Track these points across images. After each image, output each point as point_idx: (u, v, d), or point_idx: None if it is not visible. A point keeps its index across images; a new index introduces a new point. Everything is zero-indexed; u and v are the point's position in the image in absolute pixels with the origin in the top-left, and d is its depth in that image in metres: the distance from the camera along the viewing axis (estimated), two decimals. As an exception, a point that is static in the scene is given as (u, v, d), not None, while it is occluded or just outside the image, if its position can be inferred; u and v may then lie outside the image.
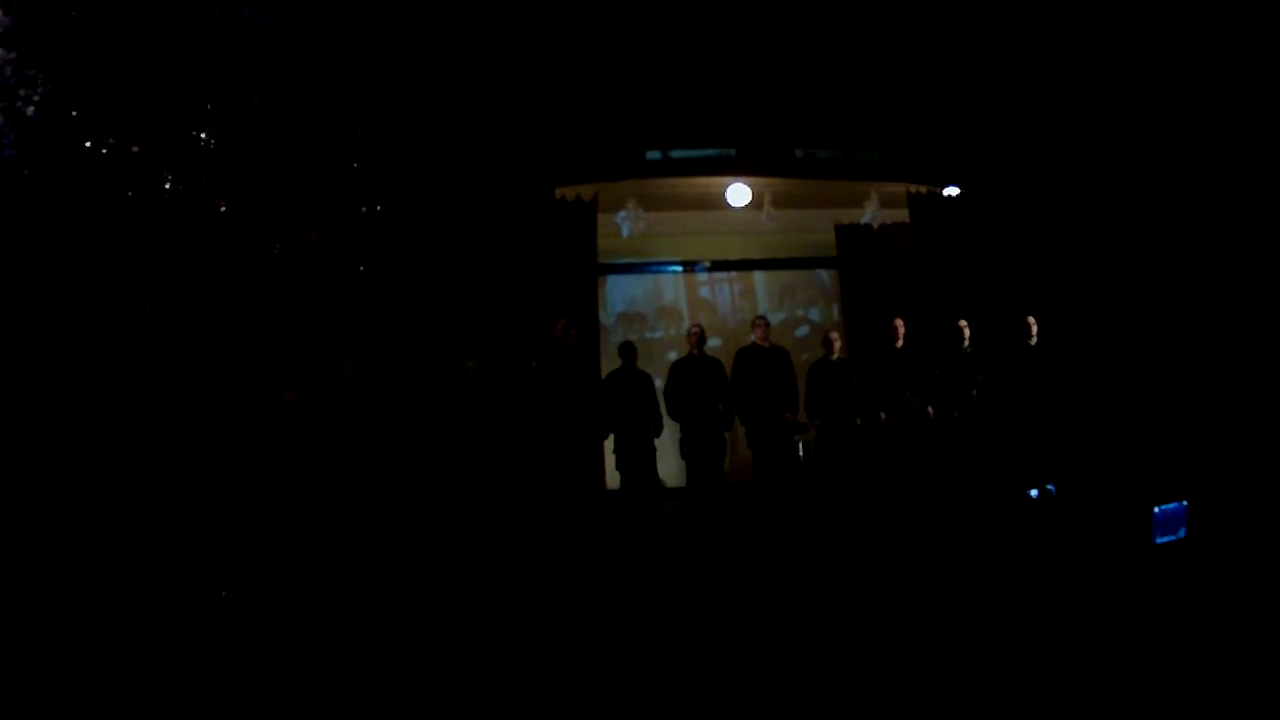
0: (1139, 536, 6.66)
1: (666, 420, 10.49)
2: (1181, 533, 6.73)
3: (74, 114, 8.31)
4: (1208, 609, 6.02)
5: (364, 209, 9.83)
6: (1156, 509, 6.63)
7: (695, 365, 10.58)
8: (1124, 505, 7.13)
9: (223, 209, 9.02)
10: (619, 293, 12.94)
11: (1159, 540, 6.65)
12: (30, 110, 8.20)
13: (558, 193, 11.43)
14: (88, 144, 8.38)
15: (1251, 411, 9.41)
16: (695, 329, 10.86)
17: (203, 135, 8.92)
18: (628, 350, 10.60)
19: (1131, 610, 6.14)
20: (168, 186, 8.70)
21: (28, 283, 7.97)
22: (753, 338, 10.86)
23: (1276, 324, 9.69)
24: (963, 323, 10.87)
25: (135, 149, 8.58)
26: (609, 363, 11.22)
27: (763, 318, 11.19)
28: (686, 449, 10.43)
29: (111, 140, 8.50)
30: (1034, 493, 9.35)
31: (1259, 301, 9.91)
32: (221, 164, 8.96)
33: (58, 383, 7.85)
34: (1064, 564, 7.09)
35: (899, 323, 10.93)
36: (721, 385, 10.55)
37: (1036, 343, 10.67)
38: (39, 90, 8.17)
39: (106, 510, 7.58)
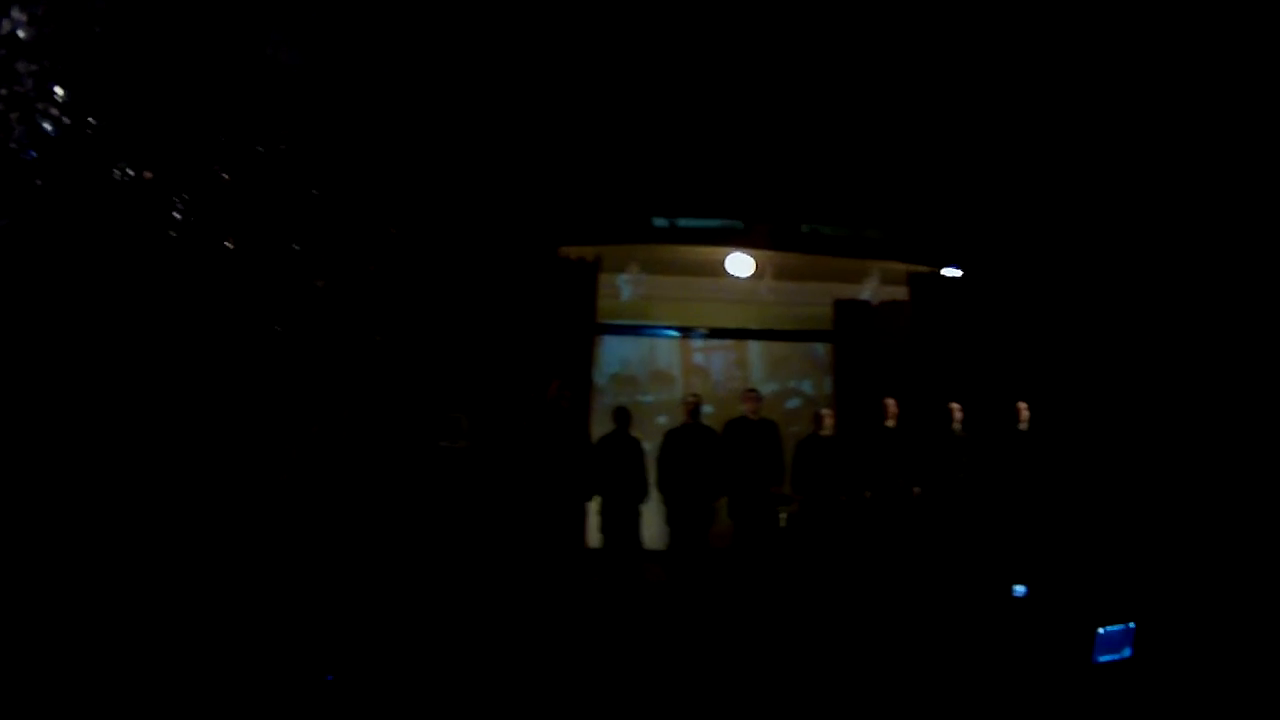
0: (1080, 654, 6.65)
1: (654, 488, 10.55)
2: (1126, 652, 6.73)
3: (89, 133, 8.37)
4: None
5: (372, 261, 9.90)
6: (1101, 630, 6.62)
7: (690, 435, 10.66)
8: (1069, 619, 7.10)
9: (230, 247, 9.07)
10: (614, 354, 12.98)
11: (1101, 660, 6.64)
12: (47, 125, 8.28)
13: (561, 251, 11.55)
14: (101, 166, 8.44)
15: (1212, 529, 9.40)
16: (692, 398, 10.94)
17: (217, 170, 8.98)
18: (622, 416, 10.66)
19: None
20: (178, 217, 8.75)
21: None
22: (743, 409, 10.96)
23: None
24: (954, 405, 10.94)
25: (148, 176, 8.65)
26: (599, 422, 11.31)
27: (754, 390, 11.32)
28: (672, 518, 10.51)
29: (126, 166, 8.56)
30: (1020, 590, 9.21)
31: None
32: (234, 201, 9.02)
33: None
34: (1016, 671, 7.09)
35: (891, 402, 11.00)
36: (714, 456, 10.60)
37: (1026, 429, 10.76)
38: (56, 105, 8.25)
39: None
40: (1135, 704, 6.33)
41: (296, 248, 9.08)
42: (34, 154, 8.12)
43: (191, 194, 8.78)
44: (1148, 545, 9.40)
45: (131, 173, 8.45)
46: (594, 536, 10.65)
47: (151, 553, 7.35)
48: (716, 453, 10.63)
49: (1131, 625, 6.71)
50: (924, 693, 6.75)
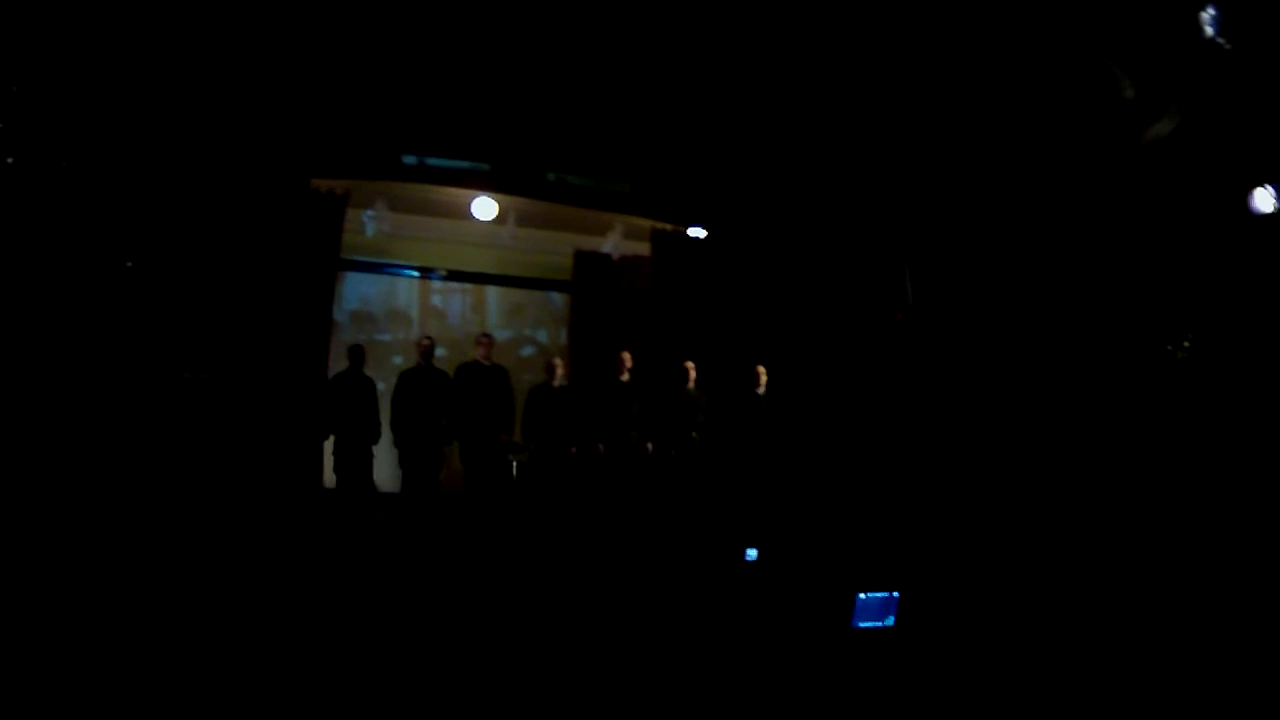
0: (839, 620, 6.77)
1: (386, 427, 10.50)
2: (889, 620, 6.85)
3: None
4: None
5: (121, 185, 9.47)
6: (861, 596, 6.72)
7: (422, 377, 10.66)
8: (827, 587, 7.20)
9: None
10: (354, 291, 12.70)
11: (861, 625, 6.75)
12: None
13: (313, 183, 11.25)
14: None
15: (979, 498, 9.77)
16: (426, 341, 10.90)
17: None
18: (356, 354, 10.55)
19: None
20: None
21: None
22: (476, 354, 11.01)
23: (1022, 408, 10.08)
24: (689, 363, 11.25)
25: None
26: (338, 358, 11.14)
27: (487, 335, 11.37)
28: (405, 460, 10.47)
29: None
30: (752, 554, 9.09)
31: (1005, 384, 10.33)
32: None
33: None
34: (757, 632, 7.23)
35: (626, 355, 11.24)
36: (446, 400, 10.64)
37: (763, 393, 11.15)
38: None
39: None
40: (896, 671, 6.48)
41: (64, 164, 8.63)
42: None
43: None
44: (918, 517, 9.74)
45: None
46: (331, 476, 10.51)
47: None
48: (447, 396, 10.67)
49: (895, 594, 6.85)
50: (647, 651, 6.83)
